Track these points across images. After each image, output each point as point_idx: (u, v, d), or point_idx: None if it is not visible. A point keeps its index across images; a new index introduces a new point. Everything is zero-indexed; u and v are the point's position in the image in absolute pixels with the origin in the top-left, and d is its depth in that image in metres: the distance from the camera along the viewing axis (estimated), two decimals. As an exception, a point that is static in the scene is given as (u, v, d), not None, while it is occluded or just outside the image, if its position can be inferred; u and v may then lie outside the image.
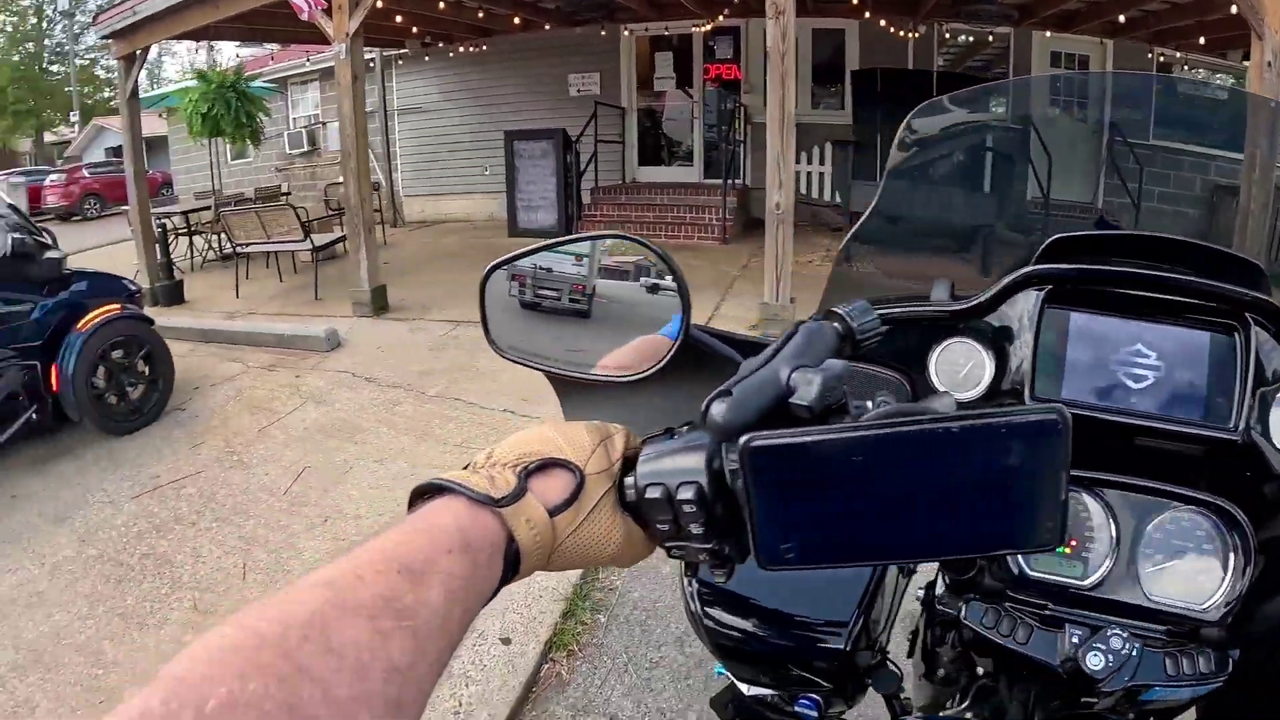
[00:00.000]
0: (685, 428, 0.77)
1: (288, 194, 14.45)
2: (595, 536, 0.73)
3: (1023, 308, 1.22)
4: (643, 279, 0.97)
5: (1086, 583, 1.07)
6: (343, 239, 10.73)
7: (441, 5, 11.68)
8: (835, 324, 0.88)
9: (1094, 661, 0.98)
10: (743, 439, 0.67)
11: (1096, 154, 2.60)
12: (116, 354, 6.43)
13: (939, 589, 1.25)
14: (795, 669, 1.23)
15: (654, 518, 0.74)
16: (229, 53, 31.91)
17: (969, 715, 1.25)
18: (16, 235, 6.02)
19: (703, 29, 13.56)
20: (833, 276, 1.62)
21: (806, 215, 12.07)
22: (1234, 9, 7.30)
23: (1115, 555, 1.07)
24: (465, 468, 0.72)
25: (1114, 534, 1.07)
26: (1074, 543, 1.08)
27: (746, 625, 1.23)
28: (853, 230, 1.65)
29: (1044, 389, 1.18)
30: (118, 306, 6.51)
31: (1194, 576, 1.05)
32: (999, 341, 1.24)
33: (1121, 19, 11.50)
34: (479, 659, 3.51)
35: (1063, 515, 0.67)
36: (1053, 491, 0.66)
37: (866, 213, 1.61)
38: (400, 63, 15.73)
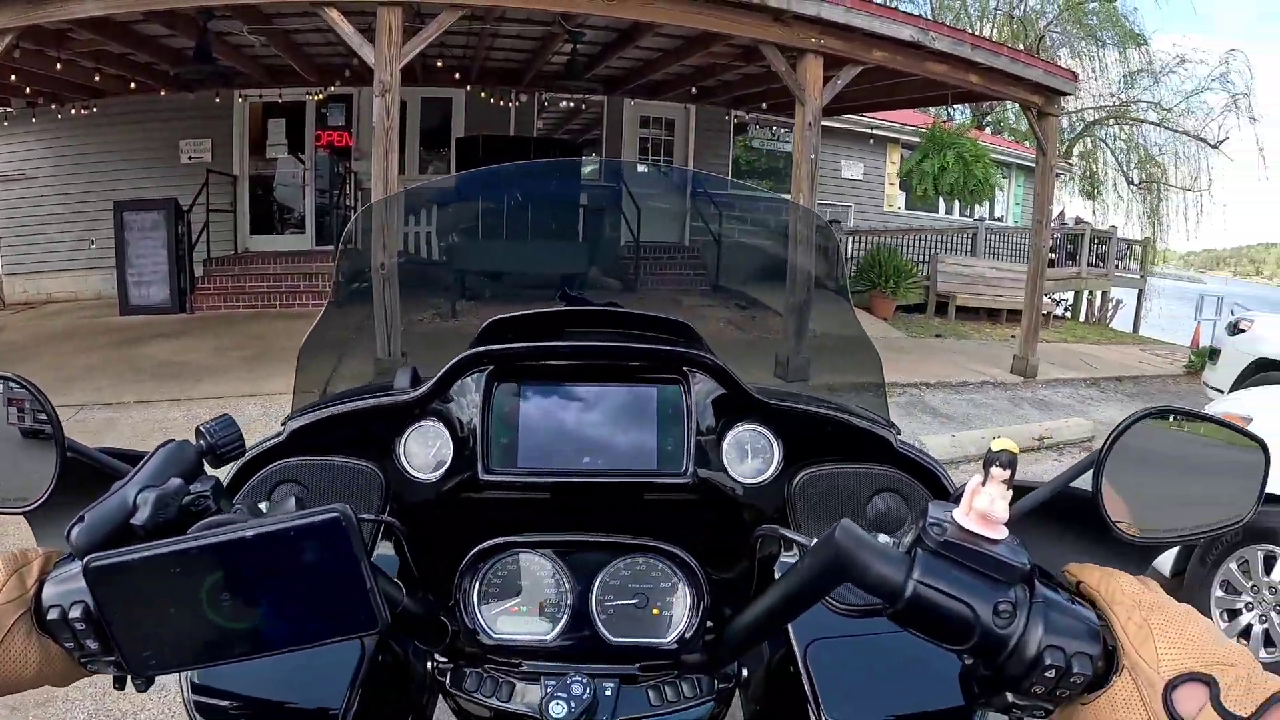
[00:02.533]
0: None
1: None
2: (10, 664, 0.81)
3: (471, 388, 1.40)
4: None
5: (549, 636, 1.19)
6: None
7: (58, 66, 11.52)
8: (200, 440, 1.02)
9: (556, 710, 1.07)
10: (83, 561, 0.78)
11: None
12: None
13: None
14: None
15: (60, 637, 0.83)
16: None
17: None
18: None
19: (315, 97, 14.53)
20: (299, 365, 1.84)
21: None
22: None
23: (573, 607, 1.19)
24: None
25: (569, 588, 1.19)
26: (513, 604, 1.21)
27: None
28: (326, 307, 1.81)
29: (501, 462, 1.38)
30: None
31: (650, 615, 1.20)
32: (456, 421, 1.41)
33: (694, 89, 13.98)
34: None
35: (375, 600, 0.81)
36: (355, 582, 0.80)
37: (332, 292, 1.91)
38: (5, 124, 14.90)
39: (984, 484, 0.82)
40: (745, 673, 1.26)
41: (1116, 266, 21.66)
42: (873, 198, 17.79)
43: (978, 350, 14.28)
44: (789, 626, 1.23)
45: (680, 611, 1.19)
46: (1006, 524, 0.83)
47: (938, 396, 10.92)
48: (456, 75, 13.20)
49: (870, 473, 1.44)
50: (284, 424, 1.48)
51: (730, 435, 1.43)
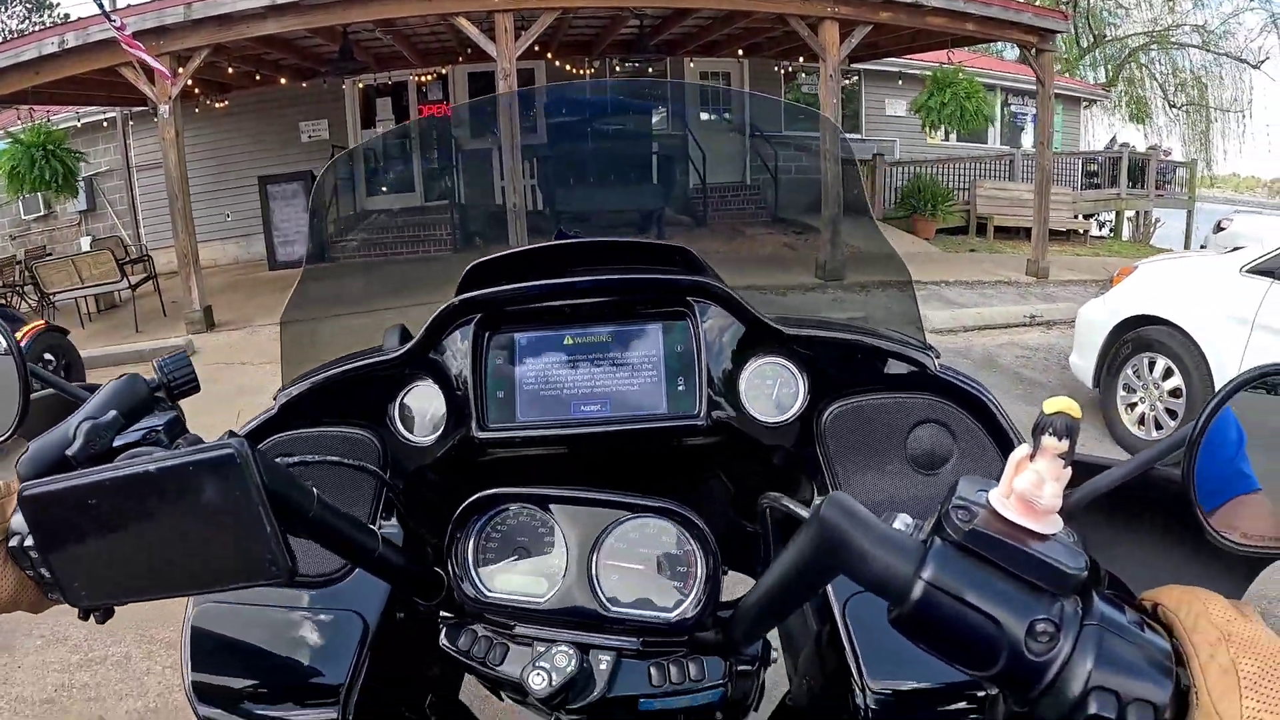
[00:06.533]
0: None
1: (50, 254, 16.26)
2: None
3: (461, 340, 1.39)
4: None
5: (544, 600, 1.12)
6: (149, 277, 13.86)
7: (230, 71, 14.98)
8: (154, 375, 1.11)
9: (535, 680, 1.03)
10: (19, 487, 0.83)
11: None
12: (48, 356, 8.32)
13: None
14: None
15: (22, 565, 0.92)
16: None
17: None
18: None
19: (419, 78, 17.89)
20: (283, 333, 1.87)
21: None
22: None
23: (570, 571, 1.12)
24: None
25: (568, 549, 1.13)
26: (510, 561, 1.17)
27: (244, 709, 1.25)
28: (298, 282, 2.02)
29: (498, 417, 1.36)
30: (43, 323, 8.79)
31: (659, 585, 1.12)
32: (450, 378, 1.40)
33: (740, 51, 17.42)
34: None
35: (277, 546, 0.81)
36: (255, 523, 0.80)
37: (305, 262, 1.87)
38: (133, 122, 18.16)
39: (1032, 457, 0.70)
40: (776, 655, 1.20)
41: (1158, 187, 23.21)
42: (915, 131, 19.80)
43: (1004, 260, 16.40)
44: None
45: (692, 583, 1.11)
46: (1062, 513, 0.70)
47: (954, 291, 13.16)
48: (536, 48, 15.79)
49: (908, 402, 1.37)
50: (274, 397, 1.50)
51: (748, 370, 1.38)
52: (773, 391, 1.41)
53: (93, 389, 1.12)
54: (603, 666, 1.10)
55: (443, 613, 1.25)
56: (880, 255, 2.14)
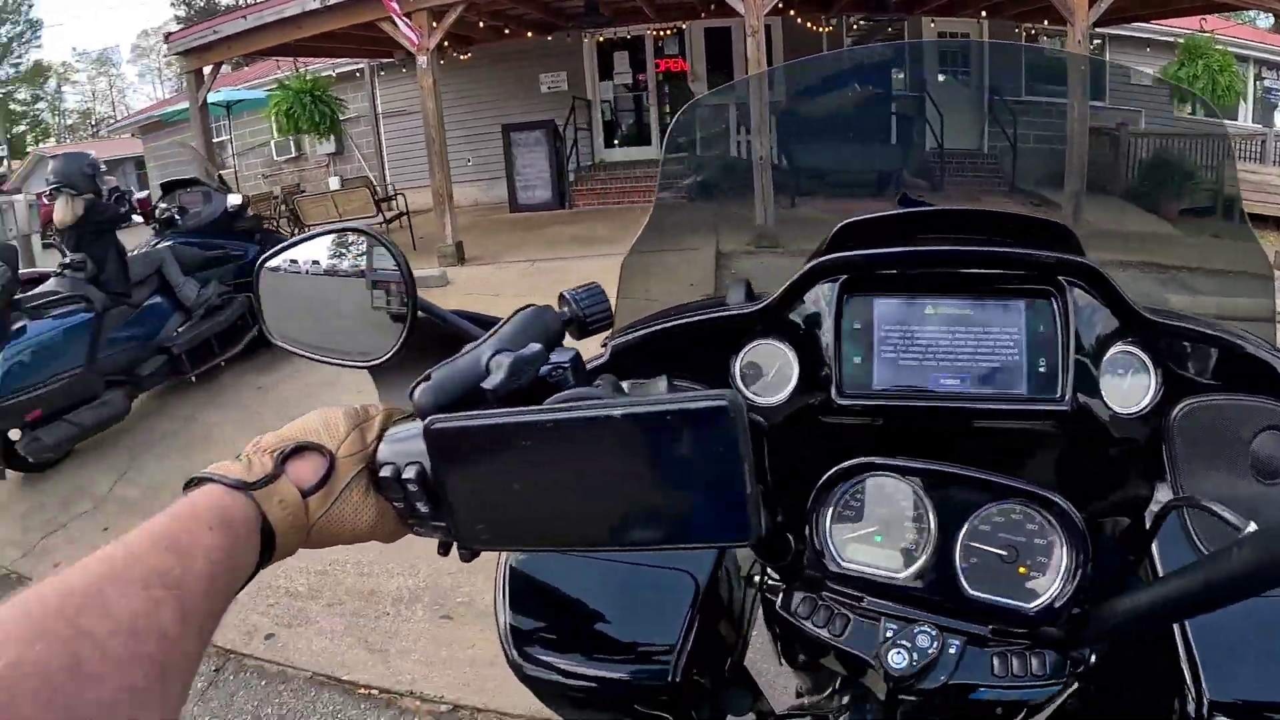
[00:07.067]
0: None
1: (303, 191, 17.48)
2: (347, 515, 0.89)
3: (821, 300, 1.34)
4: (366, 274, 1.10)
5: (901, 576, 1.09)
6: (400, 215, 14.93)
7: (481, 25, 15.85)
8: (564, 307, 1.04)
9: (896, 659, 1.02)
10: (426, 420, 0.80)
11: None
12: (332, 274, 9.42)
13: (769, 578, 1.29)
14: (624, 713, 1.22)
15: (391, 496, 0.89)
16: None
17: (832, 704, 1.27)
18: (234, 196, 8.78)
19: (655, 33, 18.32)
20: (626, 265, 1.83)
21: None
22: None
23: (933, 549, 1.08)
24: (239, 455, 0.87)
25: (933, 526, 1.09)
26: (867, 532, 1.12)
27: (564, 662, 1.21)
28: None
29: (854, 381, 1.32)
30: (330, 245, 9.98)
31: (1016, 572, 1.07)
32: (803, 338, 1.36)
33: (983, 12, 17.00)
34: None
35: (753, 508, 0.73)
36: (733, 482, 0.73)
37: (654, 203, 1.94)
38: (382, 73, 19.77)
39: None
40: (1093, 656, 1.11)
41: None
42: (1163, 101, 17.99)
43: (1247, 250, 15.61)
44: None
45: (1051, 575, 1.05)
46: None
47: (1194, 276, 12.85)
48: (779, 5, 15.43)
49: (1255, 406, 1.30)
50: (604, 344, 1.47)
51: (1107, 357, 1.32)
52: (1125, 382, 1.34)
53: (480, 320, 1.10)
54: (952, 651, 1.06)
55: (771, 576, 1.26)
56: (1229, 238, 1.98)
